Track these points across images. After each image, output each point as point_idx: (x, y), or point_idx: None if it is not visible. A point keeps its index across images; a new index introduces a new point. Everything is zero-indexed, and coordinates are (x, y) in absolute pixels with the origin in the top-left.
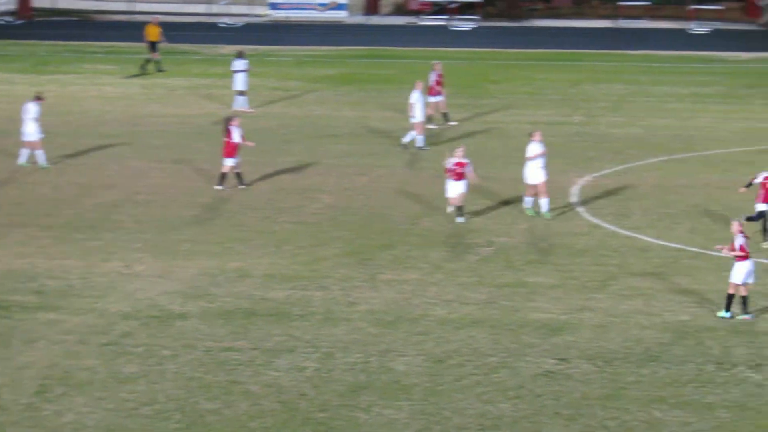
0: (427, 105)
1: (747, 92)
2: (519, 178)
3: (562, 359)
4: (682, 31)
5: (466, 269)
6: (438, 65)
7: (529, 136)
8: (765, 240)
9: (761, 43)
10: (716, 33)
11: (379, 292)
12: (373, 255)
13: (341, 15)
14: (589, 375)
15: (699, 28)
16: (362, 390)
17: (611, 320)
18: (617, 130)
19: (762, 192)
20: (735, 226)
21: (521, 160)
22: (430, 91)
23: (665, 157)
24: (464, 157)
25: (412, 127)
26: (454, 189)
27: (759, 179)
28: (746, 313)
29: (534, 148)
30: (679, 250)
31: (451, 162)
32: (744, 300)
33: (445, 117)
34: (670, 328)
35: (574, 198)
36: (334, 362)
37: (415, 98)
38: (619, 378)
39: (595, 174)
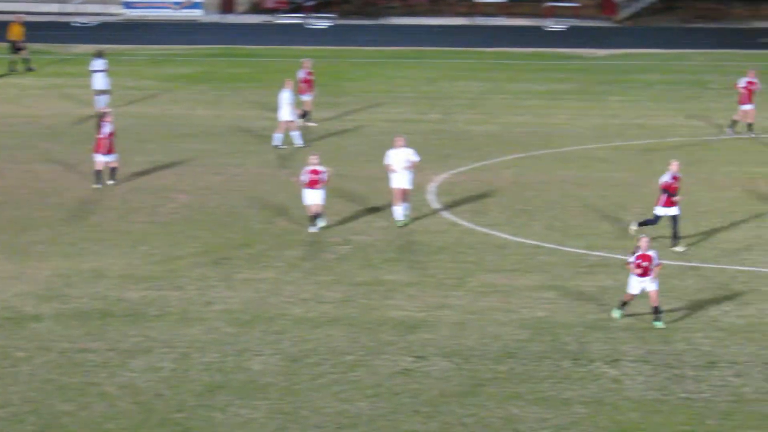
0: (298, 104)
1: (602, 89)
2: (377, 176)
3: (420, 357)
4: (538, 28)
5: (323, 268)
6: (307, 62)
7: (393, 143)
8: (676, 244)
9: (617, 39)
10: (572, 30)
11: (235, 292)
12: (229, 254)
13: (196, 13)
14: (446, 372)
15: (555, 26)
16: (219, 390)
17: (468, 317)
18: (474, 128)
19: (664, 195)
20: (644, 241)
21: (379, 158)
22: (300, 89)
23: (522, 154)
24: (320, 164)
25: (292, 126)
26: (311, 197)
27: (668, 179)
28: (619, 310)
29: (396, 155)
30: (535, 246)
31: (305, 170)
32: (625, 303)
33: (306, 116)
34: (527, 324)
35: (431, 196)
36: (191, 362)
37: (285, 97)
38: (476, 375)
39: (452, 171)
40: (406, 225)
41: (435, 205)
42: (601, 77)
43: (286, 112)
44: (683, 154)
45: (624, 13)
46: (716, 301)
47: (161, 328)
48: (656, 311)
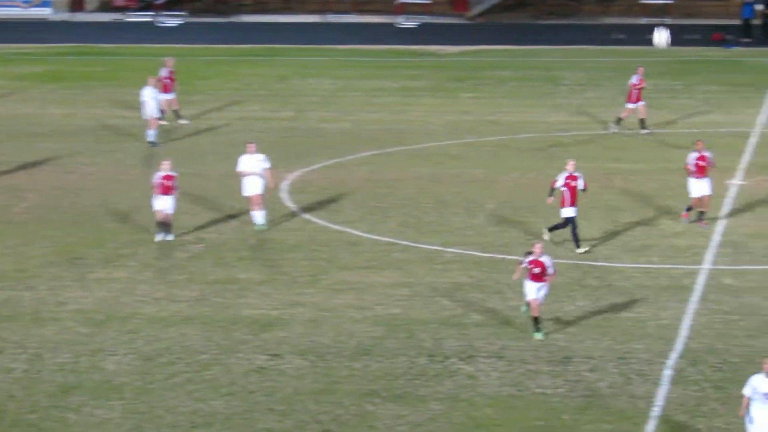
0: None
1: (455, 85)
2: (230, 175)
3: (275, 355)
4: (390, 25)
5: (176, 267)
6: (170, 61)
7: (245, 149)
8: (578, 247)
9: (469, 36)
10: (424, 27)
11: (88, 291)
12: (82, 254)
13: (46, 12)
14: (301, 370)
15: (407, 23)
16: (72, 390)
17: (323, 315)
18: (327, 125)
19: (567, 195)
20: (538, 247)
21: (232, 157)
22: (163, 88)
23: (376, 151)
24: (172, 170)
25: (148, 124)
26: (161, 204)
27: (560, 182)
28: (538, 332)
29: (248, 160)
30: (389, 243)
31: (158, 176)
32: (537, 320)
33: (176, 114)
34: (382, 321)
35: (284, 194)
36: (44, 363)
37: (147, 95)
38: (331, 372)
39: (306, 169)
40: (266, 228)
41: (288, 203)
42: (453, 74)
43: (150, 109)
44: (537, 151)
45: (475, 10)
46: (571, 296)
47: (13, 328)
48: (536, 321)
